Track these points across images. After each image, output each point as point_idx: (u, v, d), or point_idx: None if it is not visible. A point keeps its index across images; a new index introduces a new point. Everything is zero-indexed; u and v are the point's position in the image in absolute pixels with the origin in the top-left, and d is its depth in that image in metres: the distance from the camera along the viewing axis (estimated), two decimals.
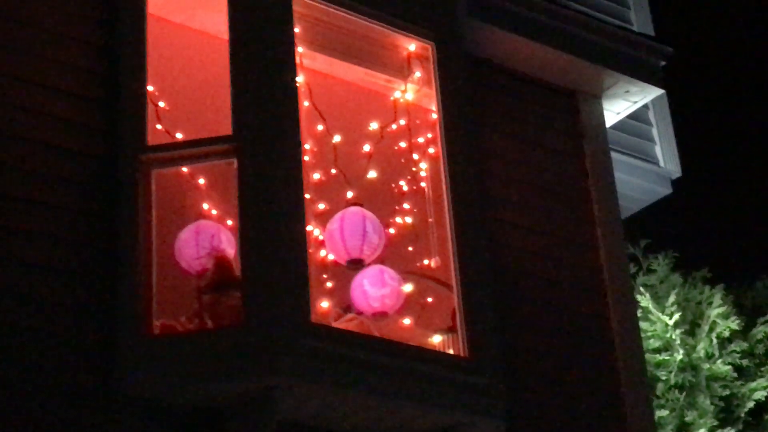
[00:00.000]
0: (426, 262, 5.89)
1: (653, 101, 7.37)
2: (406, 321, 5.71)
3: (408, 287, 5.79)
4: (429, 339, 5.58)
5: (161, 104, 5.55)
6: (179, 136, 5.49)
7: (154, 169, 5.09)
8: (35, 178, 4.85)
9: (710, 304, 11.15)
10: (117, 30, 5.25)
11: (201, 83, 5.84)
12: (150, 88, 5.28)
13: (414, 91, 6.05)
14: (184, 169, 5.63)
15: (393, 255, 5.94)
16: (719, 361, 10.82)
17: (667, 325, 10.76)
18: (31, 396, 4.51)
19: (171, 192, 5.54)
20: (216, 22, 5.53)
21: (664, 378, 10.57)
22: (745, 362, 11.00)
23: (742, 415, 10.79)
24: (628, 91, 6.86)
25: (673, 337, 10.69)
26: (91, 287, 4.82)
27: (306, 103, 5.75)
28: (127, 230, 4.91)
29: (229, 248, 5.38)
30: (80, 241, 4.87)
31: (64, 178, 4.92)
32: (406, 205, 6.11)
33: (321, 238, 5.85)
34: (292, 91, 5.24)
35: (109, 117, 5.12)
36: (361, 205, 5.76)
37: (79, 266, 4.82)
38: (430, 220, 5.88)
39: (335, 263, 5.82)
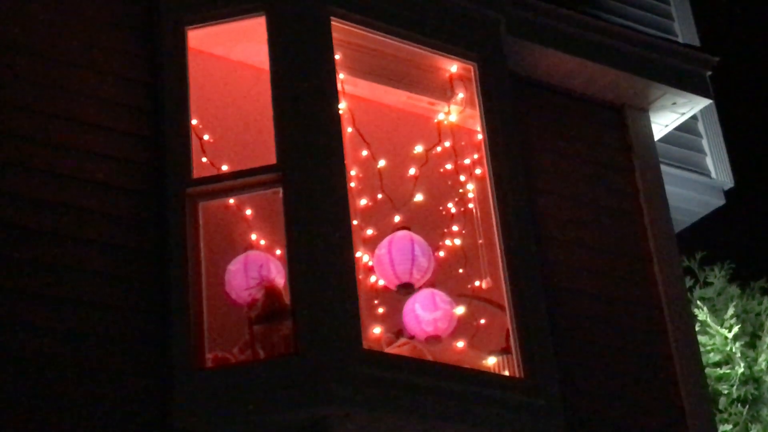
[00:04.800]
0: (477, 283, 5.84)
1: (702, 112, 7.29)
2: (460, 344, 5.67)
3: (460, 310, 5.75)
4: (483, 361, 5.53)
5: (206, 137, 5.57)
6: (224, 168, 5.51)
7: (200, 202, 5.10)
8: (83, 216, 4.87)
9: None
10: (159, 65, 5.28)
11: (244, 114, 5.87)
12: (194, 121, 5.30)
13: (457, 112, 6.03)
14: (231, 201, 5.64)
15: (444, 278, 5.91)
16: None
17: (726, 338, 10.59)
18: (88, 430, 4.51)
19: (219, 224, 5.55)
20: (256, 52, 5.54)
21: (725, 392, 10.41)
22: None
23: None
24: (675, 103, 6.78)
25: (734, 350, 10.52)
26: (143, 322, 4.83)
27: (349, 129, 5.75)
28: (177, 264, 4.92)
29: (279, 278, 5.37)
30: (131, 277, 4.88)
31: (112, 215, 4.94)
32: (454, 227, 6.08)
33: (370, 263, 5.83)
34: (334, 118, 5.23)
35: (155, 152, 5.14)
36: (408, 229, 5.74)
37: (131, 302, 4.83)
38: (480, 241, 5.84)
39: (385, 288, 5.79)
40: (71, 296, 4.71)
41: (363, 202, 5.97)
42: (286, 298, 5.08)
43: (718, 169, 7.50)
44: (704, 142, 7.54)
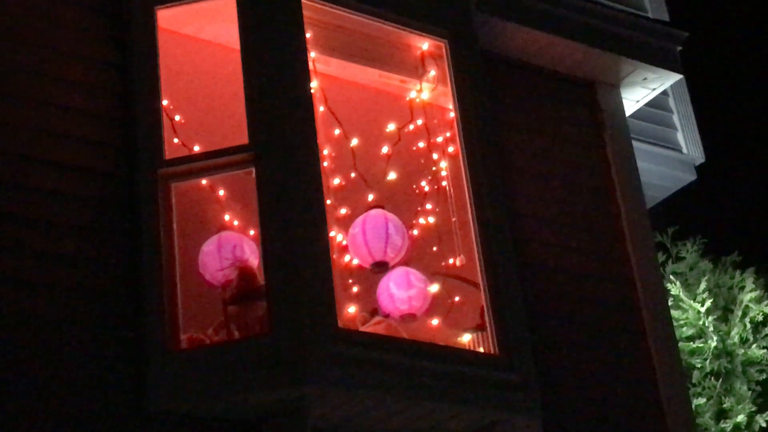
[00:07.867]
0: (451, 261, 5.85)
1: (673, 88, 7.31)
2: (434, 321, 5.68)
3: (434, 287, 5.76)
4: (458, 338, 5.55)
5: (177, 117, 5.54)
6: (197, 148, 5.48)
7: (173, 183, 5.08)
8: (55, 199, 4.84)
9: (742, 288, 11.04)
10: (129, 46, 5.25)
11: (215, 94, 5.84)
12: (165, 102, 5.27)
13: (429, 90, 6.02)
14: (204, 182, 5.62)
15: (418, 256, 5.92)
16: (754, 345, 10.71)
17: (699, 312, 10.66)
18: (63, 415, 4.51)
19: (192, 205, 5.53)
20: (227, 32, 5.52)
21: (699, 366, 10.49)
22: None
23: None
24: (645, 79, 6.80)
25: (706, 324, 10.59)
26: (117, 305, 4.81)
27: (321, 108, 5.74)
28: (150, 246, 4.90)
29: (253, 258, 5.36)
30: (104, 259, 4.86)
31: (84, 198, 4.92)
32: (428, 205, 6.08)
33: (344, 242, 5.82)
34: (306, 97, 5.22)
35: (127, 134, 5.11)
36: (382, 208, 5.74)
37: (104, 284, 4.82)
38: (453, 219, 5.85)
39: (360, 267, 5.80)
40: (43, 280, 4.69)
41: (336, 181, 5.96)
42: (261, 279, 5.07)
43: (689, 144, 7.53)
44: (675, 118, 7.56)
